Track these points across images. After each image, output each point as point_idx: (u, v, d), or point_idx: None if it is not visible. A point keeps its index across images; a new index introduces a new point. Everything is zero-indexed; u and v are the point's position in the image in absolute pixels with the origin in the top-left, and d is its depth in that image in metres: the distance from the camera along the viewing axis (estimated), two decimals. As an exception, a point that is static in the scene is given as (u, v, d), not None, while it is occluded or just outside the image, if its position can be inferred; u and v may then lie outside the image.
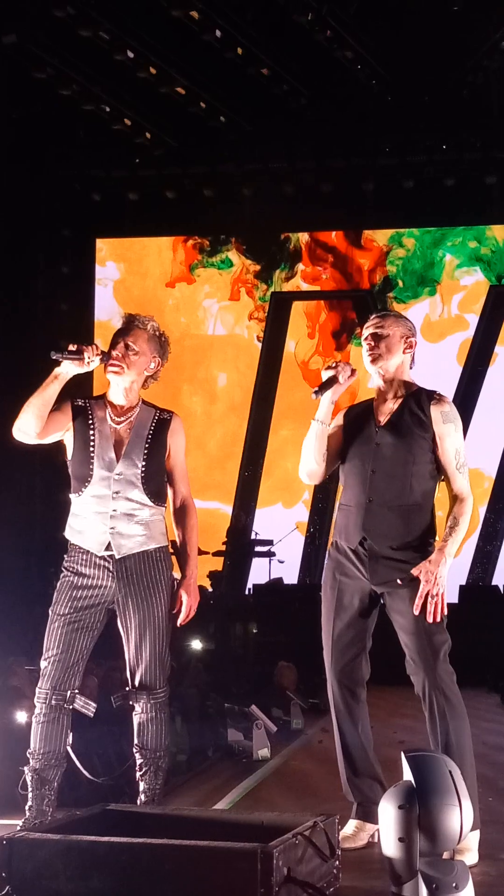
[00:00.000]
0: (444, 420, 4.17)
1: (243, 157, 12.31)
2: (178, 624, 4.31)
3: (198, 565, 4.41)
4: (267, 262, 13.10)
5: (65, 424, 4.30)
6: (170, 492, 4.38)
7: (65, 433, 4.32)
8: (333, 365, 4.23)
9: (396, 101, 11.45)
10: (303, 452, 4.27)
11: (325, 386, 4.19)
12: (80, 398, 4.37)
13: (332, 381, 4.19)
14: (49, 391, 4.19)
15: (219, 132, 11.90)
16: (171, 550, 4.40)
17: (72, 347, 4.18)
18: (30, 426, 4.21)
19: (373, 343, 4.21)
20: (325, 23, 10.08)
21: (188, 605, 4.29)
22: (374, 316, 4.31)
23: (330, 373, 4.21)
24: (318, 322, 13.02)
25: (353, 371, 4.21)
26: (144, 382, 4.37)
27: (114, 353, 4.27)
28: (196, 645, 8.03)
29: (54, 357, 4.18)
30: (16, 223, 12.07)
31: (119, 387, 4.32)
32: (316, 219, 12.86)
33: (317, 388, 4.19)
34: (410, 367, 4.31)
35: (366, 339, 4.25)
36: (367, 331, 4.27)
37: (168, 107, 11.34)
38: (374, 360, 4.21)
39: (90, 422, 4.30)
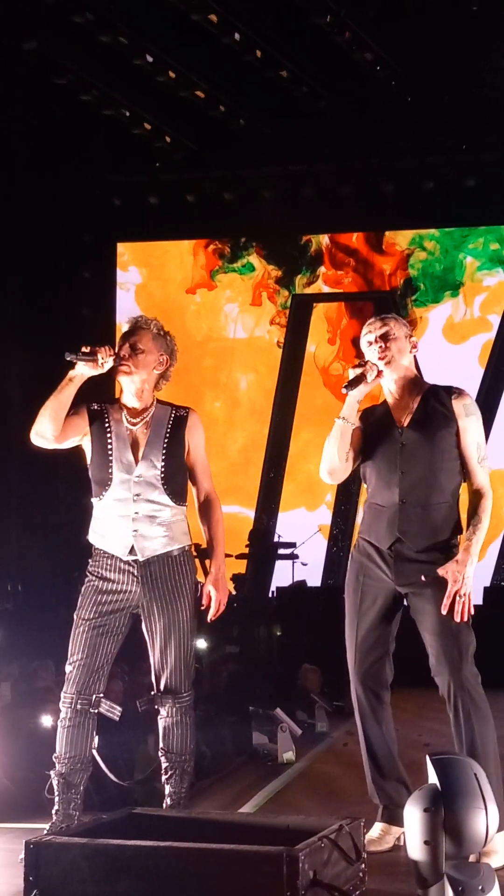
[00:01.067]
0: (466, 413, 4.18)
1: (263, 160, 12.30)
2: (209, 619, 4.28)
3: (225, 560, 4.40)
4: (288, 268, 13.08)
5: (82, 429, 4.30)
6: (193, 488, 4.37)
7: (82, 438, 4.32)
8: (362, 363, 4.21)
9: (416, 102, 11.42)
10: (325, 451, 4.24)
11: (354, 382, 4.17)
12: (96, 403, 4.37)
13: (360, 378, 4.18)
14: (65, 394, 4.19)
15: (238, 135, 11.90)
16: (195, 553, 4.40)
17: (85, 349, 4.18)
18: (47, 430, 4.21)
19: (384, 345, 4.20)
20: (344, 24, 10.06)
21: (217, 599, 4.27)
22: (374, 320, 4.29)
23: (357, 371, 4.19)
24: (340, 328, 12.98)
25: (379, 372, 4.20)
26: (157, 383, 4.35)
27: (121, 353, 4.27)
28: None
29: (68, 358, 4.18)
30: (37, 229, 12.13)
31: (131, 388, 4.32)
32: (336, 221, 12.83)
33: (346, 384, 4.17)
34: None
35: (374, 341, 4.22)
36: (372, 335, 4.24)
37: (187, 110, 11.35)
38: (388, 363, 4.20)
39: (106, 425, 4.30)
